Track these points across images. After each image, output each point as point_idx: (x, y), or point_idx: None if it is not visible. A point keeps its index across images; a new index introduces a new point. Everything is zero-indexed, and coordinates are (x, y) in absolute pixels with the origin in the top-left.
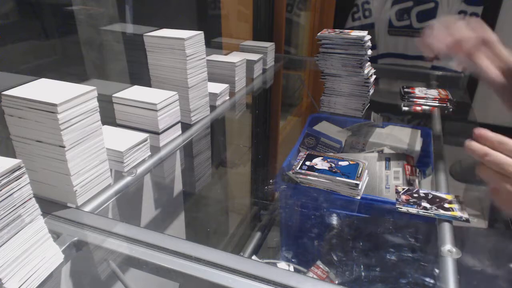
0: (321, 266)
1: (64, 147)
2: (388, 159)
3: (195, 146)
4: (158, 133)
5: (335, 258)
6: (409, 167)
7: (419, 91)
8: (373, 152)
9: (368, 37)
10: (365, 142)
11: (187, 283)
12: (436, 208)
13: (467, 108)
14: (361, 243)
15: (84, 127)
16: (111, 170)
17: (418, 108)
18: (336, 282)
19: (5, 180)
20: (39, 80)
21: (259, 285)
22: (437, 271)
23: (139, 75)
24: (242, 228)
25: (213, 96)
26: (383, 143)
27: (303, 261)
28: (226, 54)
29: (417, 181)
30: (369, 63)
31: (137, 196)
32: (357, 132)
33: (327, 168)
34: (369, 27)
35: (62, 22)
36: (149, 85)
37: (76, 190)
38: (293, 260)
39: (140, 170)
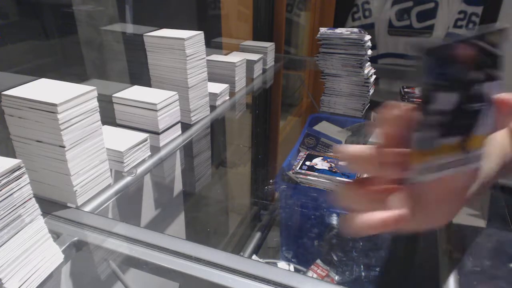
0: (320, 264)
1: (64, 147)
2: None
3: (195, 146)
4: (158, 133)
5: (335, 258)
6: None
7: (419, 91)
8: None
9: (368, 37)
10: (365, 142)
11: (187, 283)
12: None
13: None
14: (361, 243)
15: (84, 127)
16: (111, 170)
17: None
18: (336, 277)
19: (5, 180)
20: (39, 80)
21: (259, 285)
22: (437, 271)
23: (139, 75)
24: (242, 228)
25: (213, 96)
26: None
27: (303, 261)
28: (226, 54)
29: None
30: (369, 63)
31: (137, 196)
32: (357, 132)
33: (327, 168)
34: (369, 27)
35: (62, 22)
36: (149, 85)
37: (76, 190)
38: (293, 260)
39: (140, 170)
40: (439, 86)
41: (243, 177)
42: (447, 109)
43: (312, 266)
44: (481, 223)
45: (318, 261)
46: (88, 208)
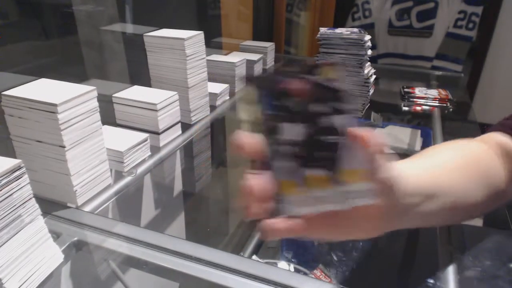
0: (324, 271)
1: (64, 147)
2: None
3: (195, 146)
4: (158, 133)
5: (335, 258)
6: None
7: (419, 91)
8: None
9: (368, 37)
10: None
11: (187, 283)
12: None
13: (467, 108)
14: (361, 243)
15: (84, 127)
16: (111, 170)
17: (418, 108)
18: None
19: (5, 180)
20: (39, 80)
21: (259, 285)
22: (436, 271)
23: (139, 75)
24: (242, 228)
25: (213, 96)
26: None
27: (303, 261)
28: (226, 54)
29: None
30: (369, 63)
31: (137, 196)
32: None
33: None
34: (369, 27)
35: (62, 22)
36: (149, 85)
37: (76, 190)
38: (293, 260)
39: (140, 170)
40: (279, 117)
41: (243, 177)
42: (297, 140)
43: (314, 271)
44: (480, 222)
45: (321, 266)
46: (88, 208)
